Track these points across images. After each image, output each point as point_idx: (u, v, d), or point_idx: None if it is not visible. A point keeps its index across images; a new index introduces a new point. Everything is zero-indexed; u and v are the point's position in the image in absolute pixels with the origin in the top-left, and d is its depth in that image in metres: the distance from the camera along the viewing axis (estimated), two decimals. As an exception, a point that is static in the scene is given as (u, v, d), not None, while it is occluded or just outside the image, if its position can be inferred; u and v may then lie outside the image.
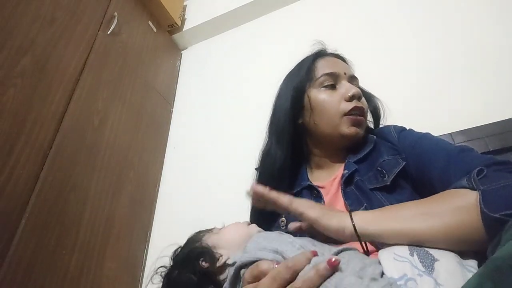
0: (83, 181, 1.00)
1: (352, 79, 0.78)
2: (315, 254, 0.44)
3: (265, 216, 0.75)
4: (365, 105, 0.76)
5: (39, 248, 0.83)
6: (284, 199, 0.56)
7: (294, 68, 0.86)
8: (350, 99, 0.73)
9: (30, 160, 0.86)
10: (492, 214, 0.43)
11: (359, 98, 0.74)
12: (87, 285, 0.93)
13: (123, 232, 1.11)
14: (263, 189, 0.57)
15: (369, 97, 0.85)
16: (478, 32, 1.06)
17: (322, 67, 0.78)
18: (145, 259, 1.16)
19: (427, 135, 0.70)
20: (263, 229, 0.72)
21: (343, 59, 0.85)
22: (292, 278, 0.42)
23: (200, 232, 0.71)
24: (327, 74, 0.76)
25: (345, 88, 0.74)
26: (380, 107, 0.86)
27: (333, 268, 0.40)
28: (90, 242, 0.97)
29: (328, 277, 0.40)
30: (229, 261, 0.57)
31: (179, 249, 0.70)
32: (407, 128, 0.75)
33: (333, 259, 0.40)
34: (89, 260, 0.96)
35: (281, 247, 0.48)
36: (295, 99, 0.78)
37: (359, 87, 0.78)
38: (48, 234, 0.86)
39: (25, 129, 0.87)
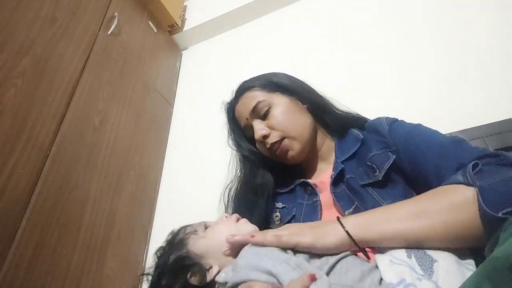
0: (83, 181, 1.00)
1: (255, 111, 0.78)
2: (312, 278, 0.42)
3: (252, 206, 0.76)
4: (278, 125, 0.75)
5: (40, 247, 0.83)
6: (270, 239, 0.53)
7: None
8: (262, 144, 0.77)
9: (31, 160, 0.86)
10: (493, 213, 0.42)
11: (265, 137, 0.75)
12: (87, 285, 0.93)
13: (124, 231, 1.11)
14: (244, 239, 0.55)
15: (292, 90, 0.82)
16: (478, 31, 1.06)
17: (239, 122, 0.85)
18: (146, 259, 1.16)
19: (418, 127, 0.69)
20: (251, 218, 0.68)
21: (239, 94, 0.85)
22: None
23: (185, 231, 0.65)
24: (243, 129, 0.83)
25: (255, 134, 0.77)
26: (310, 93, 0.85)
27: None
28: (90, 241, 0.98)
29: None
30: (220, 279, 0.53)
31: (162, 250, 0.65)
32: (399, 120, 0.74)
33: None
34: (89, 260, 0.96)
35: (275, 267, 0.45)
36: (257, 155, 0.83)
37: (267, 99, 0.79)
38: (48, 233, 0.86)
39: (25, 129, 0.87)
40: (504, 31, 1.02)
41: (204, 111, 1.52)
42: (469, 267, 0.45)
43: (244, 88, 0.85)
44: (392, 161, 0.65)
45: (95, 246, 0.99)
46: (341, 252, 0.50)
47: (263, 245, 0.52)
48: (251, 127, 0.79)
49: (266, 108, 0.77)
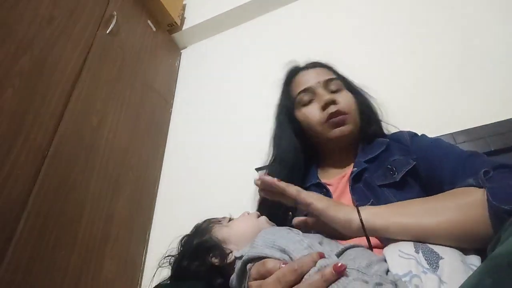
0: (81, 182, 1.00)
1: (328, 83, 0.80)
2: (321, 256, 0.43)
3: (272, 210, 0.76)
4: (344, 104, 0.77)
5: (37, 249, 0.83)
6: (292, 189, 0.56)
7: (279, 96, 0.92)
8: (325, 107, 0.77)
9: (29, 160, 0.86)
10: (501, 206, 0.44)
11: (334, 102, 0.76)
12: (86, 286, 0.93)
13: (122, 232, 1.10)
14: (271, 179, 0.58)
15: (356, 91, 0.86)
16: (479, 31, 1.06)
17: (296, 87, 0.84)
18: (144, 260, 1.16)
19: (439, 140, 0.72)
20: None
21: (314, 66, 0.87)
22: (297, 281, 0.42)
23: (209, 222, 0.70)
24: (300, 92, 0.82)
25: (318, 98, 0.78)
26: (369, 103, 0.87)
27: (339, 273, 0.40)
28: (89, 242, 0.97)
29: (333, 281, 0.40)
30: (237, 254, 0.57)
31: (187, 237, 0.70)
32: (420, 134, 0.77)
33: (339, 264, 0.40)
34: (88, 261, 0.95)
35: (288, 246, 0.47)
36: (290, 125, 0.84)
37: (340, 84, 0.82)
38: (46, 234, 0.86)
39: (23, 129, 0.86)
40: (505, 31, 1.01)
41: (203, 111, 1.51)
42: (472, 267, 0.46)
43: (321, 64, 0.88)
44: (411, 166, 0.67)
45: (94, 248, 0.98)
46: (348, 236, 0.53)
47: (284, 191, 0.56)
48: (313, 92, 0.80)
49: (337, 87, 0.80)
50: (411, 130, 0.79)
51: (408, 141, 0.74)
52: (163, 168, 1.41)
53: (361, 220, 0.52)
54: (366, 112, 0.84)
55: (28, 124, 0.88)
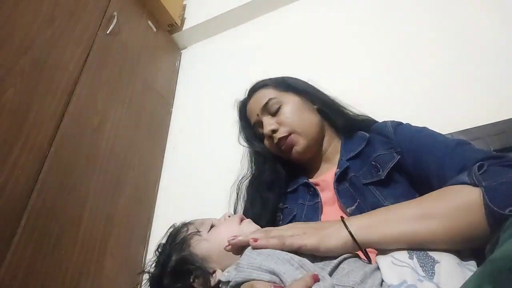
0: (82, 182, 1.00)
1: (266, 108, 0.81)
2: (315, 279, 0.41)
3: (259, 210, 0.76)
4: (286, 124, 0.78)
5: (38, 248, 0.83)
6: (273, 241, 0.50)
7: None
8: (270, 141, 0.80)
9: (30, 160, 0.85)
10: (500, 211, 0.42)
11: (274, 132, 0.78)
12: (87, 285, 0.93)
13: (123, 232, 1.10)
14: (245, 241, 0.53)
15: (304, 92, 0.85)
16: (479, 31, 1.06)
17: (251, 122, 0.88)
18: (145, 260, 1.16)
19: (424, 129, 0.70)
20: (259, 217, 0.71)
21: (252, 93, 0.89)
22: None
23: (187, 230, 0.64)
24: (253, 126, 0.86)
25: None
26: (322, 97, 0.87)
27: None
28: (89, 242, 0.97)
29: None
30: (222, 278, 0.54)
31: (163, 248, 0.64)
32: (404, 123, 0.75)
33: None
34: (88, 261, 0.95)
35: (278, 267, 0.45)
36: (264, 150, 0.86)
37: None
38: (47, 234, 0.86)
39: (24, 129, 0.86)
40: (505, 30, 1.02)
41: (204, 111, 1.51)
42: (470, 268, 0.45)
43: (257, 86, 0.89)
44: (396, 161, 0.66)
45: (94, 247, 0.98)
46: (344, 254, 0.50)
47: (266, 247, 0.51)
48: (261, 124, 0.82)
49: (277, 106, 0.80)
50: (394, 120, 0.77)
51: (391, 133, 0.72)
52: (163, 168, 1.41)
53: (350, 232, 0.50)
54: (323, 108, 0.83)
55: (29, 124, 0.88)
